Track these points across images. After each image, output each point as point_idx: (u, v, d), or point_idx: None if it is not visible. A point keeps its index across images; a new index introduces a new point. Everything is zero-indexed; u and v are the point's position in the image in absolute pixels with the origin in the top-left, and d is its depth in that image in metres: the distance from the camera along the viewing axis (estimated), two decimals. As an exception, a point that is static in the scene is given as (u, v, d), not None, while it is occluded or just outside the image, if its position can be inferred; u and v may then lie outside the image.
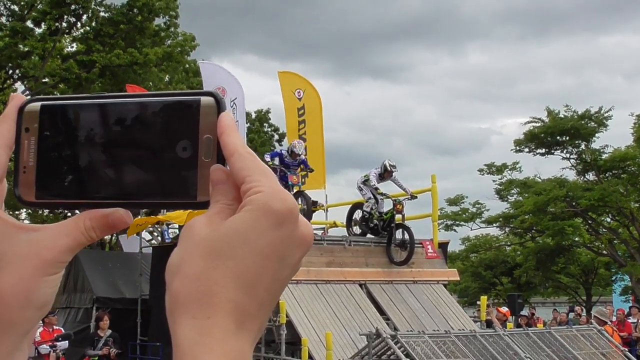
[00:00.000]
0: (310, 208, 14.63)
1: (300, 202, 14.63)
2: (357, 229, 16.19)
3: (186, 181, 0.70)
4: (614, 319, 19.41)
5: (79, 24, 27.89)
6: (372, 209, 15.49)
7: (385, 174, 15.36)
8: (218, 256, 0.66)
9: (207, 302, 0.65)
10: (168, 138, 0.70)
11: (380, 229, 15.55)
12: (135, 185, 0.71)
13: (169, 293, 0.68)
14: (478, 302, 16.89)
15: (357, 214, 16.19)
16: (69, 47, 28.48)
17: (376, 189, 15.31)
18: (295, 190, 14.77)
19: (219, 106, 0.71)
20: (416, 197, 15.55)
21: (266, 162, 14.31)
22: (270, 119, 41.67)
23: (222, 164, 0.70)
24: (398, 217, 15.34)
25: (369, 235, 15.90)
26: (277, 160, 14.89)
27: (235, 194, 0.69)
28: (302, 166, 15.35)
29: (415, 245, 15.24)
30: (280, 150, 15.56)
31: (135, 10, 26.51)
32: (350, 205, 16.86)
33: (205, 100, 0.71)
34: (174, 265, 0.68)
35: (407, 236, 15.19)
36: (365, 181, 15.48)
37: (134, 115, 0.71)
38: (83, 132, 0.72)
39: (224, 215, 0.68)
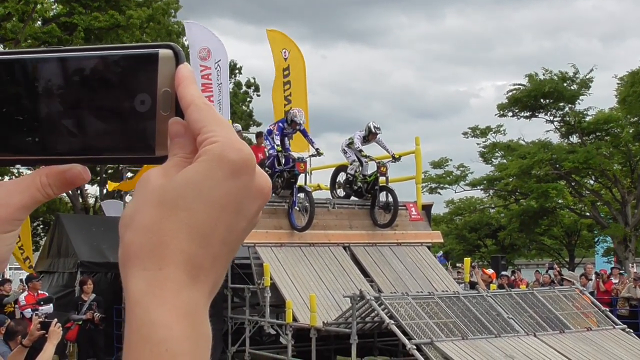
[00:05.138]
0: (312, 202, 14.33)
1: (303, 199, 14.44)
2: (340, 192, 16.16)
3: (144, 135, 0.69)
4: (593, 277, 19.67)
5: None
6: (356, 171, 15.46)
7: (369, 136, 15.30)
8: (171, 207, 0.65)
9: (158, 253, 0.64)
10: (126, 91, 0.68)
11: (364, 192, 15.53)
12: (93, 140, 0.69)
13: (121, 245, 0.66)
14: (458, 264, 17.00)
15: (341, 177, 16.15)
16: (51, 10, 28.02)
17: (360, 151, 15.26)
18: (299, 183, 14.50)
19: (177, 58, 0.69)
20: (400, 159, 15.52)
21: (274, 143, 13.87)
22: (238, 71, 40.47)
23: (181, 117, 0.68)
24: (382, 179, 15.32)
25: (352, 198, 15.90)
26: (278, 139, 14.60)
27: (193, 147, 0.67)
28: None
29: (399, 207, 15.25)
30: (280, 121, 15.07)
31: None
32: (334, 168, 16.82)
33: (163, 52, 0.69)
34: (127, 216, 0.67)
35: (390, 198, 15.19)
36: (350, 144, 15.42)
37: (91, 69, 0.69)
38: (38, 86, 0.69)
39: (180, 168, 0.66)
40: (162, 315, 0.63)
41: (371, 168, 15.58)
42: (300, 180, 14.76)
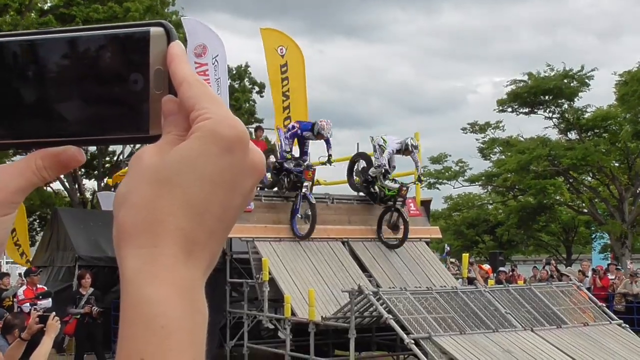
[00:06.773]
0: (315, 213, 14.21)
1: (306, 208, 14.32)
2: (356, 180, 15.69)
3: (138, 115, 0.68)
4: (590, 273, 19.73)
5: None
6: (377, 176, 15.09)
7: (404, 152, 14.89)
8: (165, 184, 0.64)
9: (153, 231, 0.63)
10: (118, 71, 0.68)
11: (378, 200, 15.27)
12: (87, 121, 0.68)
13: (115, 224, 0.66)
14: (452, 260, 16.93)
15: (359, 165, 15.69)
16: (48, 2, 27.99)
17: (388, 162, 14.81)
18: (303, 191, 14.33)
19: (169, 36, 0.68)
20: (422, 182, 15.19)
21: (287, 149, 13.72)
22: (250, 72, 40.43)
23: (174, 95, 0.68)
24: (399, 202, 15.00)
25: (352, 193, 15.82)
26: (287, 145, 14.40)
27: (187, 124, 0.67)
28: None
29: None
30: (302, 127, 14.68)
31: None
32: (350, 157, 16.19)
33: (154, 31, 0.68)
34: (121, 195, 0.66)
35: (401, 223, 14.87)
36: (382, 145, 14.86)
37: (83, 49, 0.68)
38: (31, 68, 0.69)
39: (174, 145, 0.66)
40: (158, 291, 0.62)
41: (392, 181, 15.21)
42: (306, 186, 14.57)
